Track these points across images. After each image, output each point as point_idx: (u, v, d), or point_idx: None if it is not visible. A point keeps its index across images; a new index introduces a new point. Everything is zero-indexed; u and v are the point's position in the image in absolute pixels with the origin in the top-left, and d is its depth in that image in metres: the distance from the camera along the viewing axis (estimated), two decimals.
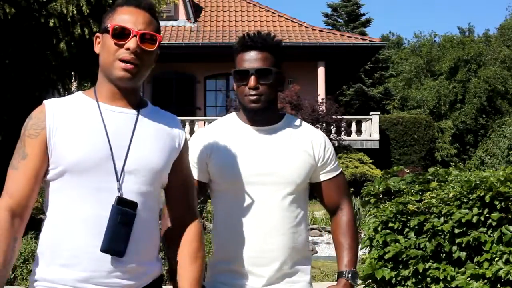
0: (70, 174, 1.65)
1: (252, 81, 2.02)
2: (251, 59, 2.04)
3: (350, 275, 2.08)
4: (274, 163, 2.06)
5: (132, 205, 1.67)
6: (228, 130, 2.12)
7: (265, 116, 2.09)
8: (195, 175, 2.06)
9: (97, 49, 1.75)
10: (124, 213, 1.65)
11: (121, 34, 1.67)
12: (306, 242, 2.15)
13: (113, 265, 1.65)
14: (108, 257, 1.64)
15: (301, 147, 2.11)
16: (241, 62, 2.06)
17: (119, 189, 1.66)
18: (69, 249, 1.64)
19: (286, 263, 2.06)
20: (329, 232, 10.20)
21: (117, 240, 1.64)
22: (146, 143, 1.73)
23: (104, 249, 1.63)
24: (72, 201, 1.65)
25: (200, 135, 2.15)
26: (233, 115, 2.18)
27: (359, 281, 3.87)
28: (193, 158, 2.06)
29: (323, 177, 2.15)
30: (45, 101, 1.72)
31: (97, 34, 1.76)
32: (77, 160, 1.64)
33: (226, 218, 2.08)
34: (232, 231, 2.05)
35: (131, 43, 1.66)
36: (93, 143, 1.66)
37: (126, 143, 1.70)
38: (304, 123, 2.20)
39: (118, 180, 1.66)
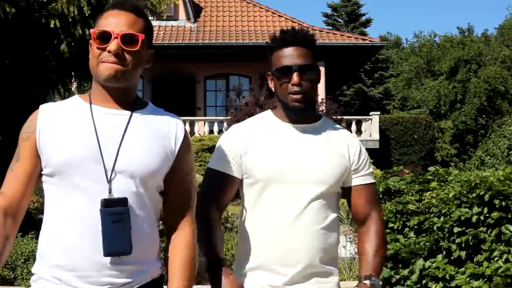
0: (60, 175, 1.67)
1: (295, 77, 1.97)
2: (293, 55, 1.98)
3: (369, 280, 1.98)
4: (309, 162, 2.01)
5: (121, 201, 1.67)
6: (264, 126, 2.07)
7: (305, 115, 2.06)
8: (230, 170, 2.03)
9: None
10: (114, 213, 1.65)
11: (103, 38, 1.71)
12: (336, 244, 2.09)
13: (110, 263, 1.65)
14: (103, 256, 1.64)
15: (337, 148, 2.07)
16: (281, 59, 1.99)
17: (110, 190, 1.66)
18: (64, 249, 1.65)
19: (312, 264, 2.00)
20: None
21: (117, 241, 1.65)
22: (138, 144, 1.72)
23: (107, 253, 1.64)
24: (63, 202, 1.67)
25: (235, 131, 2.09)
26: (268, 113, 2.14)
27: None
28: (228, 153, 2.03)
29: (355, 182, 2.08)
30: (41, 106, 1.77)
31: (90, 41, 1.79)
32: (64, 161, 1.66)
33: (255, 215, 2.03)
34: (260, 228, 2.01)
35: (112, 45, 1.69)
36: (81, 144, 1.67)
37: (117, 144, 1.70)
38: (340, 127, 2.17)
39: (108, 181, 1.67)
